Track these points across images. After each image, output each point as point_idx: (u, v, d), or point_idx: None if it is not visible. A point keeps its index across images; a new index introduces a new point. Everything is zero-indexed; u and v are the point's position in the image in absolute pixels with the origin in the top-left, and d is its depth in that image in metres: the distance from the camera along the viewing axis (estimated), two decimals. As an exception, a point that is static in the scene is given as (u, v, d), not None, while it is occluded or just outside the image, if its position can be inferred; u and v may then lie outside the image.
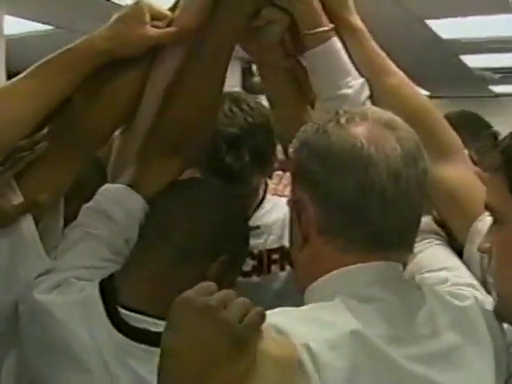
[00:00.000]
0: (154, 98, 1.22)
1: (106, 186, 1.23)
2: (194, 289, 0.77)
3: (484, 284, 1.08)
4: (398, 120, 0.96)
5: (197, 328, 0.74)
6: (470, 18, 4.72)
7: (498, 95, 8.91)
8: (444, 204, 1.14)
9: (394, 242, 0.94)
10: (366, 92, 1.21)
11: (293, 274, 1.65)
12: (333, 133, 0.93)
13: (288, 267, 1.69)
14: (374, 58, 1.24)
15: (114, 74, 1.19)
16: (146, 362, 1.00)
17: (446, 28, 4.94)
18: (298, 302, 1.63)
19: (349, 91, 1.19)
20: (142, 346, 1.02)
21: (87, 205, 1.21)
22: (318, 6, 1.19)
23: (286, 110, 1.34)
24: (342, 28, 1.22)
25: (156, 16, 1.19)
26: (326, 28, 1.19)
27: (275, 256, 1.68)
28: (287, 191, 1.86)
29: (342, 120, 0.94)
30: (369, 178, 0.89)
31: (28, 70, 1.12)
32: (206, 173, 1.45)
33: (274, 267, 1.68)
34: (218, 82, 1.23)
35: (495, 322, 0.98)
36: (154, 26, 1.18)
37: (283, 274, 1.68)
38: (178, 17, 1.20)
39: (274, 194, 1.79)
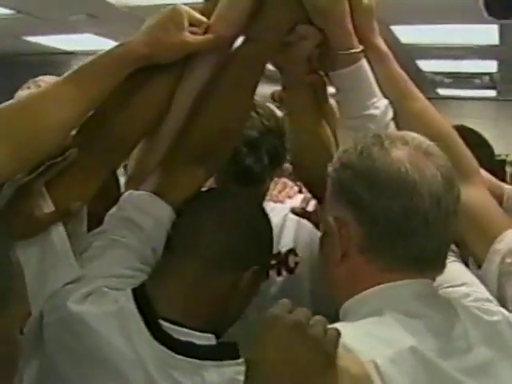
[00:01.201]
0: (183, 106, 1.23)
1: (131, 192, 1.22)
2: (278, 306, 0.80)
3: (499, 300, 1.14)
4: (435, 147, 1.01)
5: (290, 344, 0.77)
6: (429, 26, 4.86)
7: (444, 98, 9.21)
8: (463, 225, 1.19)
9: (432, 263, 1.00)
10: (390, 113, 1.25)
11: (289, 280, 1.72)
12: (378, 157, 0.97)
13: (284, 272, 1.72)
14: (399, 81, 1.28)
15: (145, 80, 1.18)
16: (192, 375, 1.01)
17: (406, 33, 5.07)
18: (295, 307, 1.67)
19: (376, 112, 1.23)
20: (188, 359, 1.02)
21: (112, 211, 1.20)
22: (351, 27, 1.23)
23: (303, 120, 1.36)
24: (369, 50, 1.26)
25: (193, 22, 1.18)
26: (357, 50, 1.23)
27: (272, 261, 1.71)
28: (282, 197, 1.89)
29: (386, 144, 0.98)
30: (413, 202, 0.94)
31: (66, 75, 1.11)
32: (224, 175, 1.47)
33: (271, 272, 1.70)
34: (248, 95, 1.25)
35: None
36: (191, 32, 1.17)
37: (280, 279, 1.71)
38: (214, 24, 1.20)
39: (268, 200, 1.82)
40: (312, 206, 1.79)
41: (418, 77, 7.15)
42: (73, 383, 1.05)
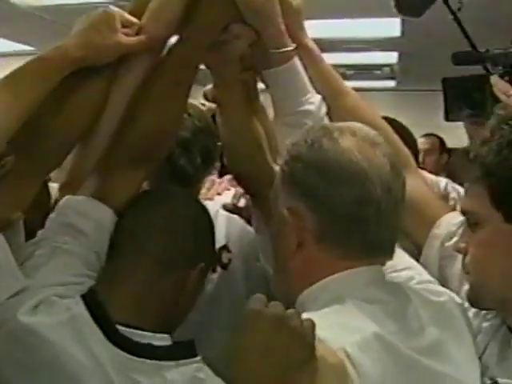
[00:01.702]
0: (118, 108, 1.22)
1: (69, 197, 1.20)
2: (256, 301, 0.81)
3: (440, 282, 1.20)
4: (380, 136, 1.06)
5: (273, 338, 0.79)
6: (333, 20, 4.96)
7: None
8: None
9: (384, 249, 1.04)
10: (324, 108, 1.30)
11: (224, 276, 1.73)
12: (328, 148, 1.00)
13: (219, 269, 1.74)
14: (330, 78, 1.34)
15: (78, 83, 1.17)
16: (153, 377, 1.01)
17: (310, 28, 5.16)
18: (231, 305, 1.69)
19: (311, 107, 1.26)
20: (148, 360, 1.02)
21: (51, 218, 1.18)
22: (283, 27, 1.26)
23: (236, 117, 1.37)
24: (300, 50, 1.30)
25: (125, 23, 1.18)
26: (291, 48, 1.26)
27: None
28: (211, 194, 1.91)
29: (335, 135, 1.02)
30: (366, 190, 0.98)
31: (0, 82, 1.08)
32: (158, 176, 1.46)
33: (206, 270, 1.72)
34: (183, 94, 1.25)
35: (467, 313, 1.11)
36: (123, 34, 1.17)
37: (215, 276, 1.72)
38: (146, 25, 1.20)
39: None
40: (243, 202, 1.82)
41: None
42: None
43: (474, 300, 1.09)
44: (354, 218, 0.98)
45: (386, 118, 1.55)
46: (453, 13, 1.72)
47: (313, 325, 0.81)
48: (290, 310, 0.82)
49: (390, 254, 1.05)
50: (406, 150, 1.35)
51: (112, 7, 1.18)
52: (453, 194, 2.85)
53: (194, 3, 1.21)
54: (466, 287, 1.11)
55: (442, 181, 3.01)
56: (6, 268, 1.06)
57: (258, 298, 0.82)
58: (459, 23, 1.73)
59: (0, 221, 1.08)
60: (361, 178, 0.98)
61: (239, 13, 1.23)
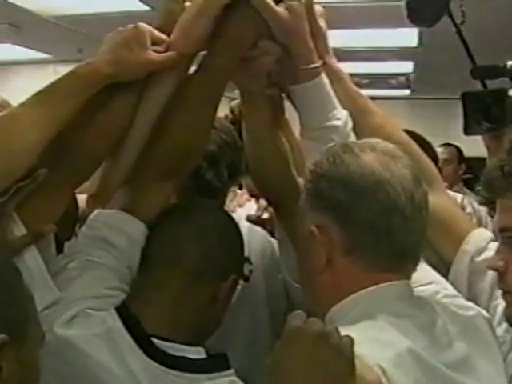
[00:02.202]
0: (146, 123, 1.24)
1: (100, 211, 1.22)
2: (296, 318, 0.81)
3: (469, 299, 1.20)
4: (399, 150, 1.08)
5: (315, 354, 0.78)
6: (351, 30, 4.98)
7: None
8: (430, 229, 1.25)
9: (411, 258, 1.05)
10: (350, 123, 1.31)
11: (246, 288, 1.74)
12: (350, 162, 1.02)
13: (241, 281, 1.74)
14: (356, 98, 1.36)
15: (108, 98, 1.19)
16: None
17: (329, 38, 5.16)
18: (251, 317, 1.70)
19: (338, 122, 1.28)
20: (183, 373, 1.03)
21: (83, 231, 1.20)
22: (312, 44, 1.28)
23: (262, 132, 1.38)
24: (325, 69, 1.31)
25: (155, 40, 1.20)
26: (318, 64, 1.28)
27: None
28: (232, 206, 1.92)
29: (356, 150, 1.04)
30: (390, 199, 1.00)
31: (34, 97, 1.10)
32: (185, 190, 1.47)
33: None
34: (212, 108, 1.27)
35: (494, 327, 1.11)
36: (153, 51, 1.19)
37: (237, 288, 1.73)
38: (175, 41, 1.22)
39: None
40: (266, 214, 1.83)
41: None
42: None
43: None
44: (380, 228, 0.99)
45: (406, 131, 1.56)
46: (456, 25, 1.74)
47: (351, 341, 0.81)
48: (330, 327, 0.82)
49: (415, 263, 1.06)
50: (433, 168, 1.36)
51: (142, 24, 1.19)
52: (469, 209, 2.85)
53: (223, 19, 1.22)
54: (495, 303, 1.10)
55: (458, 196, 3.00)
56: (40, 279, 1.08)
57: (298, 314, 0.83)
58: (461, 35, 1.75)
59: (32, 233, 1.09)
60: (384, 188, 0.99)
61: (267, 29, 1.24)
